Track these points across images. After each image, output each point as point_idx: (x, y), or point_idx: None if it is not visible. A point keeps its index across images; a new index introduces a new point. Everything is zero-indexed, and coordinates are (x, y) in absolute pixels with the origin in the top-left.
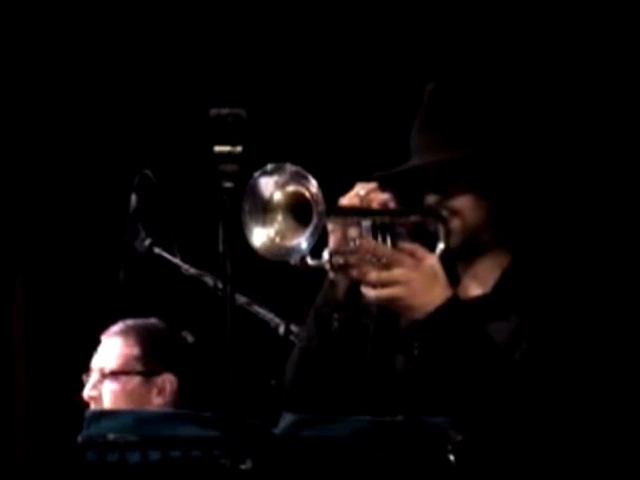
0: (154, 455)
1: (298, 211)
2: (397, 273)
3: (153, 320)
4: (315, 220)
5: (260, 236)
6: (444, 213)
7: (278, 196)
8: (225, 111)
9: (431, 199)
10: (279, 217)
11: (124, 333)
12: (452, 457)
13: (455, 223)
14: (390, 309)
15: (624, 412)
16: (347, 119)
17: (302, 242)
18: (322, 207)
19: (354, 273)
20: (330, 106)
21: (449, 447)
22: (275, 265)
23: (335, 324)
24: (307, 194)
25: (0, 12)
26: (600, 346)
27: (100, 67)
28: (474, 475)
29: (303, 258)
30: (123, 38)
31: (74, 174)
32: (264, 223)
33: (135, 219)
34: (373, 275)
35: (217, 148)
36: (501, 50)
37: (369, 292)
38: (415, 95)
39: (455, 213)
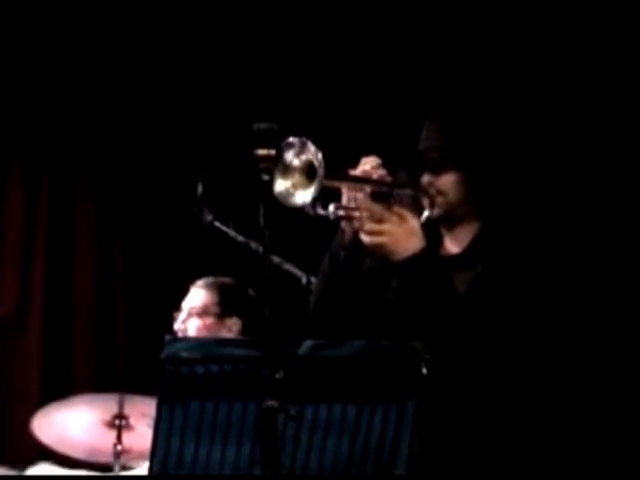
0: (214, 368)
1: (308, 172)
2: (385, 227)
3: (227, 278)
4: (318, 179)
5: (281, 186)
6: (432, 191)
7: (295, 161)
8: (263, 125)
9: (425, 178)
10: (295, 175)
11: (207, 285)
12: (424, 370)
13: (440, 199)
14: (378, 252)
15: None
16: (354, 122)
17: (309, 193)
18: (322, 171)
19: (355, 223)
20: (344, 113)
21: (422, 363)
22: (300, 234)
23: (341, 260)
24: (315, 162)
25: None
26: (536, 289)
27: (187, 97)
28: (439, 383)
29: (314, 208)
30: (198, 72)
31: (166, 172)
32: (284, 178)
33: (201, 202)
34: (368, 226)
35: (258, 151)
36: (486, 64)
37: (364, 238)
38: (421, 99)
39: (440, 191)
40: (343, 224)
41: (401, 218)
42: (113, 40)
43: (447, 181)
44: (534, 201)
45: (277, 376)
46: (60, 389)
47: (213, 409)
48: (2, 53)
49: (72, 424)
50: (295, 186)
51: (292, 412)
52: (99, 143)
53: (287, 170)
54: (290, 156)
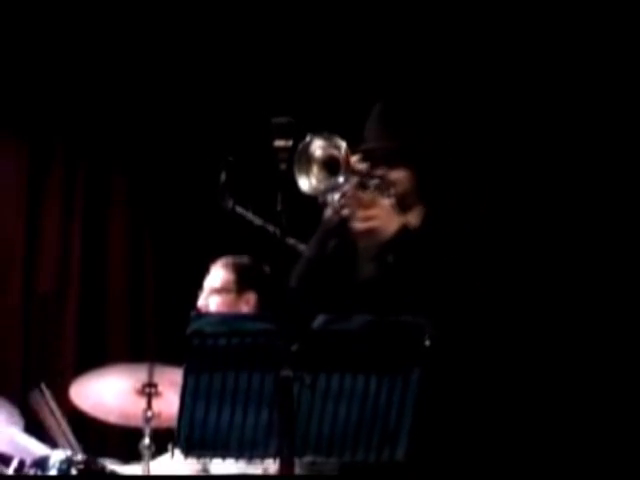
0: (235, 340)
1: (330, 166)
2: (373, 212)
3: (245, 257)
4: (342, 172)
5: (308, 183)
6: (382, 182)
7: (318, 152)
8: (281, 119)
9: (379, 171)
10: (314, 167)
11: (226, 265)
12: (427, 342)
13: (392, 190)
14: (369, 235)
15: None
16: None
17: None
18: (347, 166)
19: (347, 212)
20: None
21: (426, 336)
22: (313, 219)
23: (331, 247)
24: (339, 156)
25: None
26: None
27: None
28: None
29: (324, 197)
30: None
31: (191, 163)
32: (307, 173)
33: (224, 189)
34: (361, 214)
35: (276, 143)
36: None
37: (358, 225)
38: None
39: (393, 183)
40: (328, 214)
41: (380, 202)
42: (135, 45)
43: (398, 175)
44: (474, 188)
45: (293, 348)
46: (95, 360)
47: (234, 378)
48: (37, 55)
49: (106, 391)
50: (318, 180)
51: (306, 381)
52: (131, 135)
53: (308, 162)
54: (315, 148)
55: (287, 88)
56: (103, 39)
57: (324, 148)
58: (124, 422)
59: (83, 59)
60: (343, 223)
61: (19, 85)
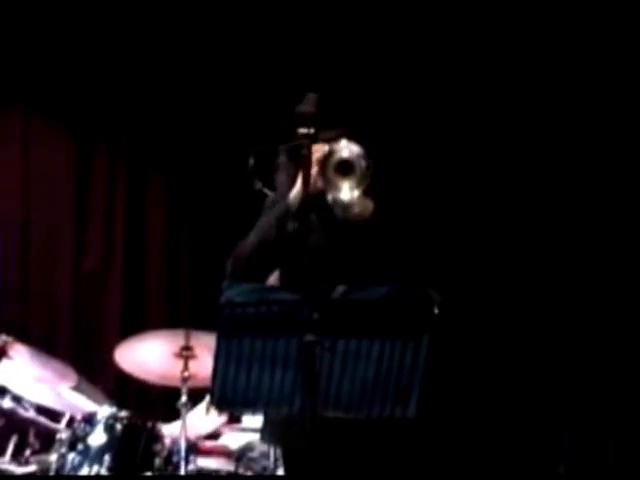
0: (262, 309)
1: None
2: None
3: None
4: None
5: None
6: None
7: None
8: (303, 107)
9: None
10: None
11: None
12: (436, 310)
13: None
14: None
15: None
16: None
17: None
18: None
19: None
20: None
21: (434, 304)
22: None
23: (291, 228)
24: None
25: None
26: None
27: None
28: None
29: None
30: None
31: (223, 149)
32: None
33: (253, 172)
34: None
35: (300, 130)
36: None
37: (343, 213)
38: None
39: None
40: (293, 195)
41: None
42: (171, 49)
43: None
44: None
45: (315, 316)
46: (137, 326)
47: (262, 343)
48: (84, 60)
49: (147, 355)
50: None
51: (327, 346)
52: (165, 127)
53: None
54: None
55: (309, 79)
56: (139, 45)
57: (348, 149)
58: (163, 382)
59: (126, 66)
60: (305, 205)
61: (71, 87)
